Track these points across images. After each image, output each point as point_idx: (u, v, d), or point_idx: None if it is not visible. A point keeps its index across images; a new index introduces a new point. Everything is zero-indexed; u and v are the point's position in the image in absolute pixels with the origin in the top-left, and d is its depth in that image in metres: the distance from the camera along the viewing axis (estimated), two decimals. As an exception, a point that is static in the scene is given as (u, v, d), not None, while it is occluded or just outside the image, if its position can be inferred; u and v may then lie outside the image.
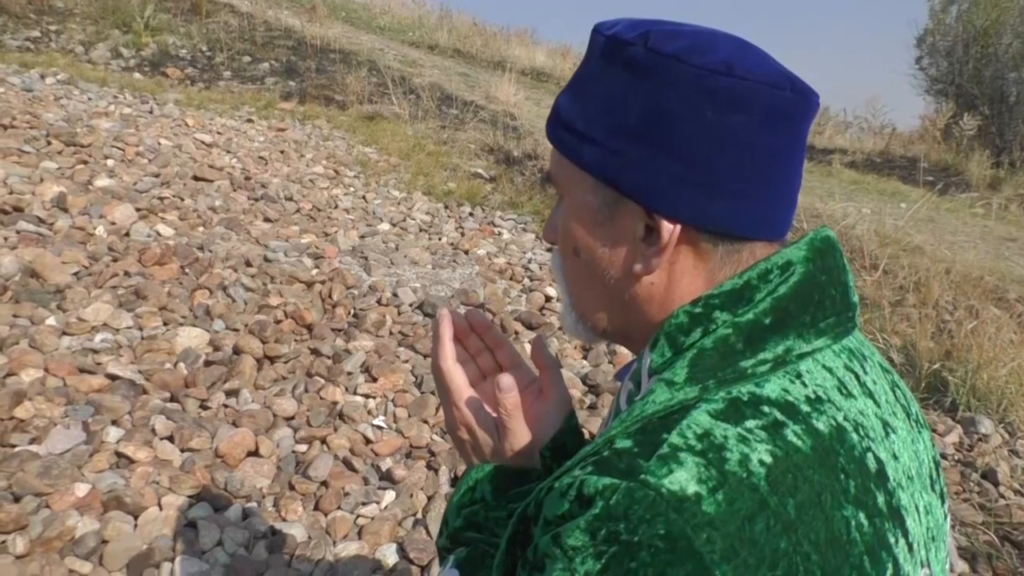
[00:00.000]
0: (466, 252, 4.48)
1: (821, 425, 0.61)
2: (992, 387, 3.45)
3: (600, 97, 0.68)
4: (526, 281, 4.16)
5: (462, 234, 4.77)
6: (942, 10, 11.61)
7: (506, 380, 0.79)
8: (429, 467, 2.50)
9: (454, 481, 2.48)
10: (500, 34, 14.13)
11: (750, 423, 0.59)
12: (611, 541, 0.54)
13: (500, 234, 4.89)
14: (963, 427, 3.29)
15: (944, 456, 3.08)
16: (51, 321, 2.83)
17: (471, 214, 5.22)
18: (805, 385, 0.63)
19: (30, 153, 4.35)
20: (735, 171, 0.64)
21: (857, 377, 0.68)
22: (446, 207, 5.27)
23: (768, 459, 0.57)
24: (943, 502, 0.73)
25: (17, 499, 1.99)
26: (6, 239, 3.32)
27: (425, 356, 3.15)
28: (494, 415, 0.83)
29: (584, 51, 0.74)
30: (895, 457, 0.66)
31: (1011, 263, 5.63)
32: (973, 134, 8.85)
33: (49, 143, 4.60)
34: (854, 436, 0.63)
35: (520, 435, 0.81)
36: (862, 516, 0.59)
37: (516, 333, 3.43)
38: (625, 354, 3.45)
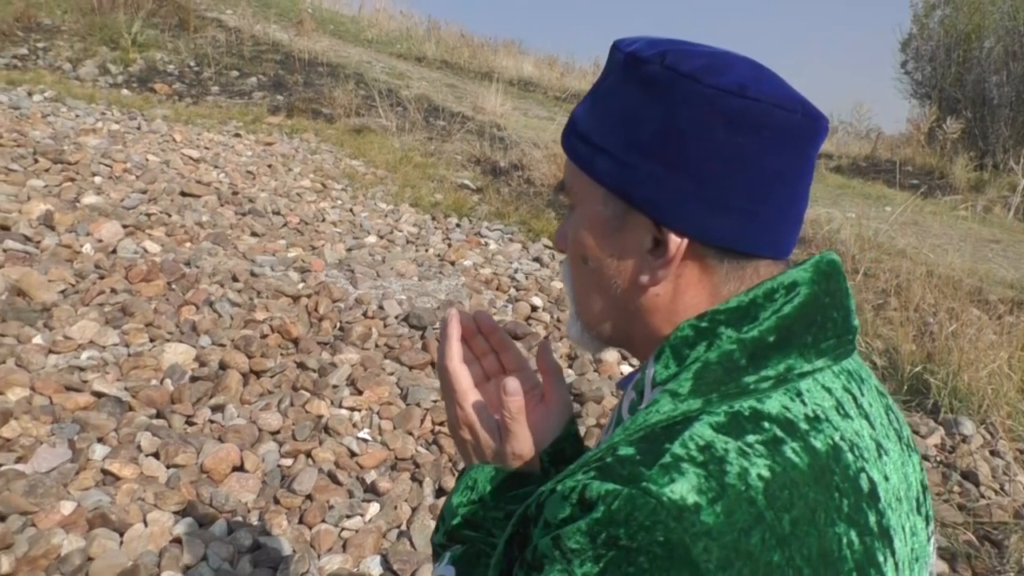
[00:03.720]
0: (452, 263, 4.51)
1: (818, 444, 0.62)
2: (973, 388, 3.49)
3: (616, 111, 0.70)
4: (512, 291, 4.19)
5: (449, 245, 4.81)
6: (925, 15, 11.72)
7: (512, 384, 0.80)
8: (413, 479, 2.53)
9: (439, 493, 2.50)
10: (488, 45, 14.21)
11: (750, 438, 0.60)
12: (610, 545, 0.55)
13: (487, 245, 4.92)
14: (945, 428, 3.33)
15: (926, 457, 3.12)
16: (38, 339, 2.85)
17: (458, 225, 5.25)
18: (804, 404, 0.64)
19: (17, 171, 4.37)
20: (744, 190, 0.66)
21: (855, 399, 0.69)
22: (433, 219, 5.30)
23: (766, 474, 0.58)
24: (928, 524, 0.75)
25: (2, 518, 2.01)
26: (-8, 258, 3.34)
27: (411, 368, 3.17)
28: (497, 417, 0.84)
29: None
30: (886, 478, 0.68)
31: (993, 264, 5.69)
32: (956, 137, 8.94)
33: (36, 161, 4.62)
34: (849, 456, 0.64)
35: (522, 439, 0.82)
36: (853, 534, 0.61)
37: (501, 343, 3.46)
38: (612, 363, 3.48)
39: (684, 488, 0.56)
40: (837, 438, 0.64)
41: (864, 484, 0.64)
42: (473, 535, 0.82)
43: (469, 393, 0.85)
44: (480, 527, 0.82)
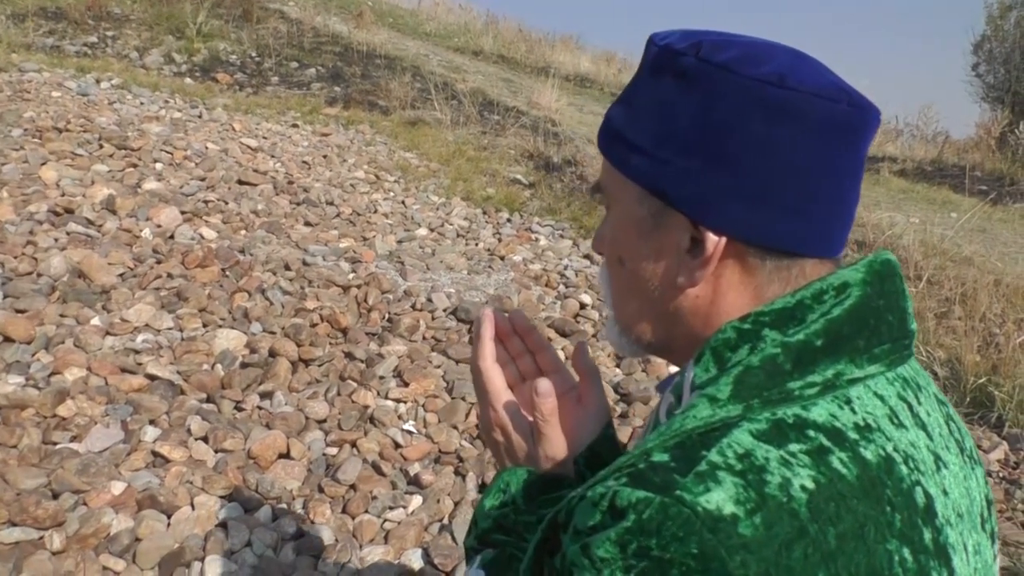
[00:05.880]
0: (502, 258, 4.50)
1: (869, 454, 0.59)
2: (1041, 403, 3.35)
3: (650, 107, 0.68)
4: (561, 288, 4.16)
5: (499, 240, 4.79)
6: (1000, 16, 11.32)
7: (544, 384, 0.78)
8: (457, 473, 2.52)
9: (482, 487, 2.49)
10: (545, 40, 14.14)
11: (794, 447, 0.57)
12: (641, 556, 0.53)
13: (537, 240, 4.89)
14: (1009, 443, 3.20)
15: (988, 473, 3.00)
16: (96, 321, 2.92)
17: (509, 220, 5.23)
18: (855, 412, 0.61)
19: (83, 156, 4.50)
20: (784, 184, 0.63)
21: (910, 407, 0.65)
22: (484, 213, 5.29)
23: (811, 485, 0.55)
24: (993, 543, 0.71)
25: (56, 496, 2.06)
26: (56, 240, 3.43)
27: (458, 362, 3.16)
28: (530, 419, 0.82)
29: (631, 57, 0.73)
30: (945, 493, 0.64)
31: (1066, 276, 5.44)
32: (1029, 142, 8.60)
33: (101, 146, 4.74)
34: (903, 468, 0.60)
35: (555, 441, 0.80)
36: (906, 551, 0.57)
37: (549, 340, 3.43)
38: (661, 363, 3.42)
39: (720, 498, 0.53)
40: (890, 449, 0.60)
41: (919, 498, 0.60)
42: (505, 539, 0.81)
43: (502, 394, 0.84)
44: (512, 531, 0.80)
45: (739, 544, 0.52)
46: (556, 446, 0.80)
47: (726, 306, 0.68)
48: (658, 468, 0.56)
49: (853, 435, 0.59)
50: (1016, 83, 10.52)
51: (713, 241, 0.64)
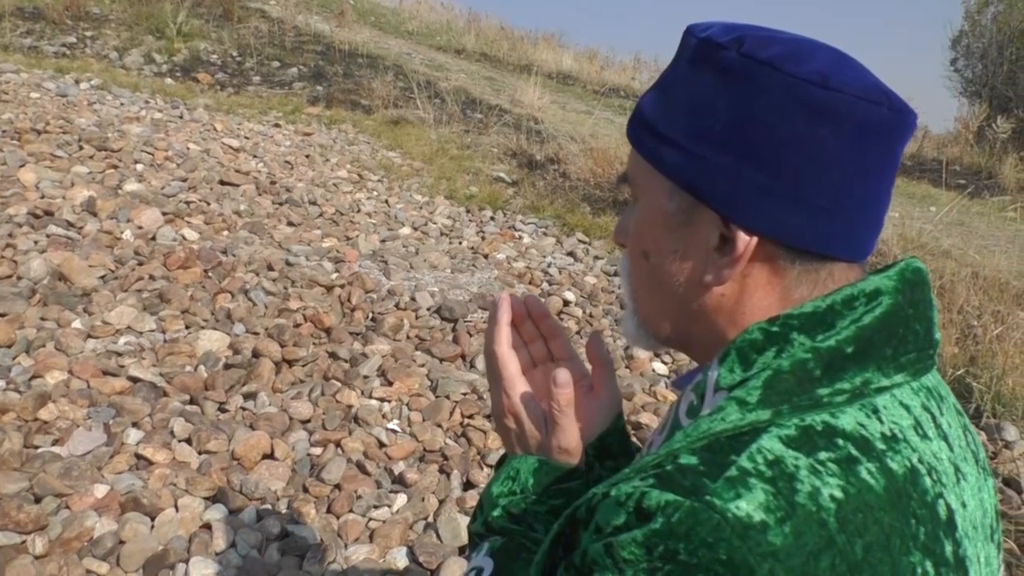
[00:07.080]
0: (486, 256, 4.51)
1: (895, 465, 0.59)
2: (1018, 393, 3.39)
3: (686, 100, 0.66)
4: (545, 285, 4.17)
5: (482, 238, 4.80)
6: (978, 12, 11.43)
7: (563, 375, 0.78)
8: (441, 471, 2.53)
9: (467, 486, 2.50)
10: (527, 38, 14.17)
11: (823, 455, 0.57)
12: (667, 559, 0.53)
13: (520, 238, 4.90)
14: (987, 434, 3.25)
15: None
16: (77, 324, 2.90)
17: (492, 218, 5.24)
18: (881, 421, 0.61)
19: (62, 158, 4.47)
20: (822, 186, 0.62)
21: (933, 418, 0.65)
22: (467, 211, 5.30)
23: (839, 495, 0.55)
24: (999, 553, 0.71)
25: (38, 500, 2.05)
26: (36, 243, 3.41)
27: (441, 360, 3.17)
28: (544, 407, 0.82)
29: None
30: (964, 505, 0.64)
31: (1042, 268, 5.51)
32: (1007, 137, 8.68)
33: (81, 148, 4.71)
34: (927, 480, 0.61)
35: (569, 432, 0.80)
36: (928, 564, 0.58)
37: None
38: (644, 360, 3.45)
39: (751, 505, 0.53)
40: (915, 460, 0.60)
41: (942, 511, 0.60)
42: (513, 527, 0.81)
43: (517, 380, 0.83)
44: (521, 520, 0.80)
45: (768, 552, 0.52)
46: (570, 437, 0.80)
47: (752, 306, 0.67)
48: (686, 471, 0.56)
49: (880, 445, 0.59)
50: (993, 78, 10.64)
51: (744, 240, 0.64)
